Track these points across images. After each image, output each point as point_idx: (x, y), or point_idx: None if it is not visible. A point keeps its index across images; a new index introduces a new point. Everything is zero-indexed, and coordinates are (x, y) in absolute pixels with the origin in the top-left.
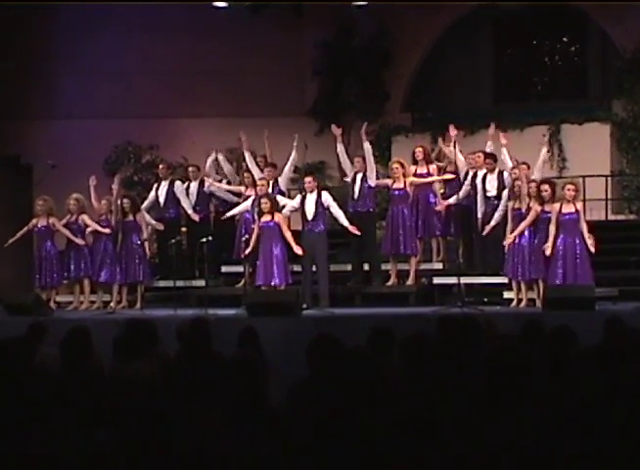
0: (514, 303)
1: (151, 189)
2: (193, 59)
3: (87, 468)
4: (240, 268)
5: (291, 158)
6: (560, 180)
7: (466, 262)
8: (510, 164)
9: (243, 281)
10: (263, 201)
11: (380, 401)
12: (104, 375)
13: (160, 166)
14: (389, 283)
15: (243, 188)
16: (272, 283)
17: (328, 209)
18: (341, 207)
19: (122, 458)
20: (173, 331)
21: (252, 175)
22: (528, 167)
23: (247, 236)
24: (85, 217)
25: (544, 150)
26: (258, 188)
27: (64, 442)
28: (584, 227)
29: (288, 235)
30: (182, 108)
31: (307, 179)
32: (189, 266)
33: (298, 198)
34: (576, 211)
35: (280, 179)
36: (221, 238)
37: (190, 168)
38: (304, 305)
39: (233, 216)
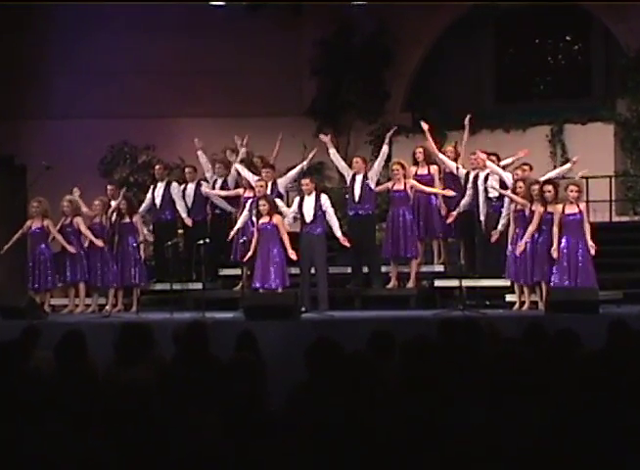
0: (516, 305)
1: (147, 190)
2: (190, 58)
3: None
4: (237, 271)
5: (300, 165)
6: (563, 181)
7: (467, 265)
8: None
9: (240, 284)
10: (261, 202)
11: (380, 406)
12: (98, 379)
13: (157, 167)
14: (390, 286)
15: (241, 190)
16: (270, 286)
17: (325, 212)
18: (339, 211)
19: (117, 463)
20: (170, 335)
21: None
22: (530, 169)
23: (244, 238)
24: (80, 221)
25: (568, 165)
26: (257, 190)
27: (57, 446)
28: (588, 228)
29: (285, 238)
30: (179, 108)
31: (305, 181)
32: (186, 269)
33: (297, 201)
34: (580, 211)
35: (280, 181)
36: (218, 240)
37: (186, 169)
38: (303, 309)
39: (232, 219)
